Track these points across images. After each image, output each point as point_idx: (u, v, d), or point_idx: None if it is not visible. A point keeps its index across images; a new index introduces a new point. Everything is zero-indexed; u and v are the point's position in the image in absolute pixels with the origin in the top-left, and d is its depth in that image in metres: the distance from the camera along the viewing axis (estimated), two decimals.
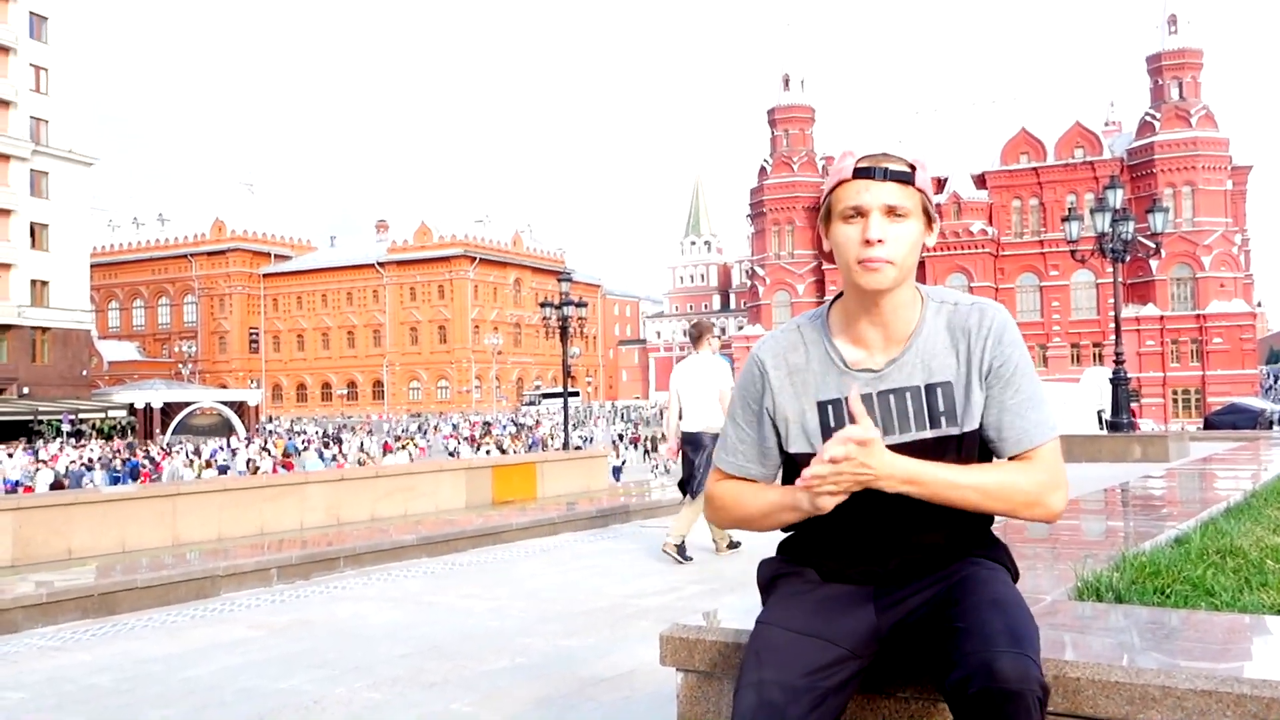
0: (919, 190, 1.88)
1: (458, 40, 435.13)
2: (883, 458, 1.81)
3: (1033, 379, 1.95)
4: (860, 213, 1.86)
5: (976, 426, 1.94)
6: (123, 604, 6.99)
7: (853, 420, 1.84)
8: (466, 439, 49.05)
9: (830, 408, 1.98)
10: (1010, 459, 1.93)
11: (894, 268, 1.86)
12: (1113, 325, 21.88)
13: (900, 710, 2.07)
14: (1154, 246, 22.98)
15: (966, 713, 1.66)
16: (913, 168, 1.87)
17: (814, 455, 1.94)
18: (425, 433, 57.97)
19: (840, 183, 1.89)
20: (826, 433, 1.96)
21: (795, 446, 2.02)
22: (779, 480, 2.11)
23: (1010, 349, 1.92)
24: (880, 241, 1.84)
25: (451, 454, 40.03)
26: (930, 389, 1.93)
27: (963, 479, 1.86)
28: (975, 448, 1.96)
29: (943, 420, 1.93)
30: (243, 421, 59.68)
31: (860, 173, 1.87)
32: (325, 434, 57.71)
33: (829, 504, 1.84)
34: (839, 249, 1.91)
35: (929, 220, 1.91)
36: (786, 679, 1.81)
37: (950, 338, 1.94)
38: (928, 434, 1.93)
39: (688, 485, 8.53)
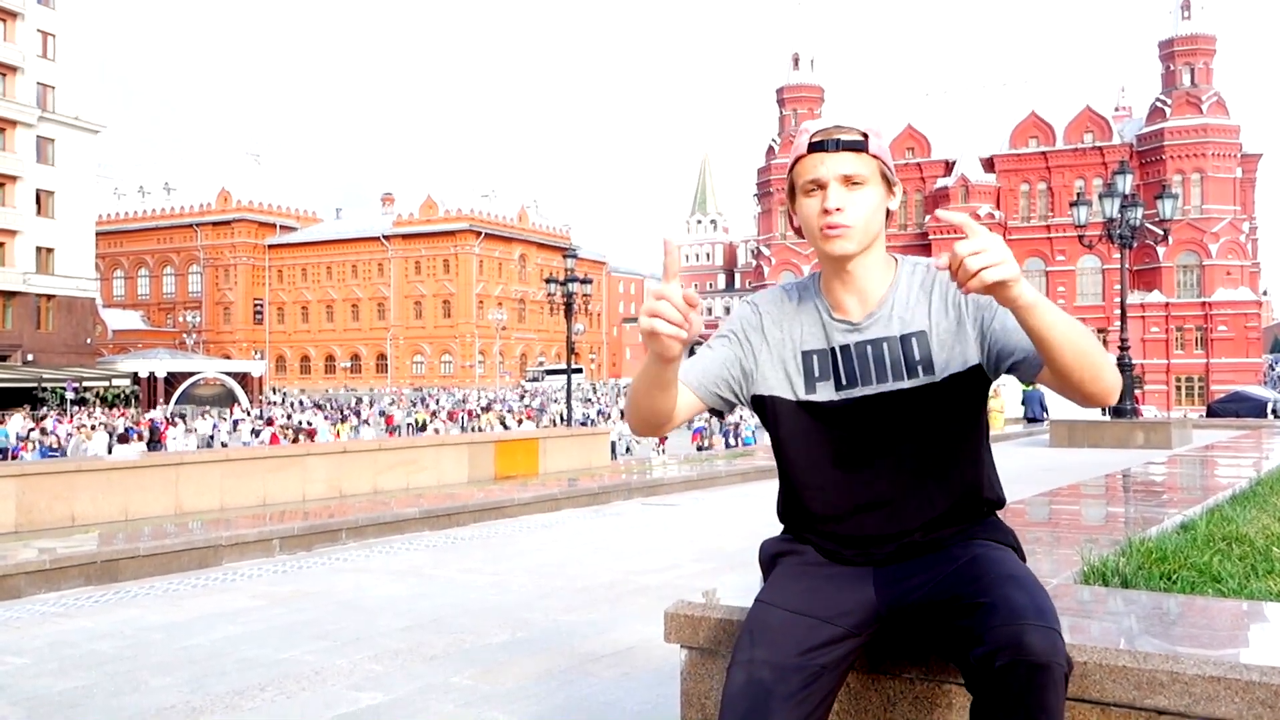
0: (875, 157, 1.92)
1: (466, 14, 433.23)
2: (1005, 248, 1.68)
3: None
4: (819, 185, 1.92)
5: (955, 371, 1.94)
6: (125, 571, 7.02)
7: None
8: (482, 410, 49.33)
9: (815, 357, 2.02)
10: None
11: (855, 231, 1.91)
12: (1118, 311, 21.84)
13: (905, 690, 2.07)
14: (1162, 233, 22.90)
15: (993, 687, 1.66)
16: (865, 136, 1.92)
17: (789, 400, 2.00)
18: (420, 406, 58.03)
19: (799, 159, 1.95)
20: (809, 382, 2.01)
21: (775, 390, 2.04)
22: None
23: None
24: (839, 209, 1.90)
25: (506, 427, 40.01)
26: (905, 339, 1.97)
27: (1076, 325, 1.77)
28: (958, 397, 1.96)
29: (919, 370, 1.95)
30: (246, 392, 59.77)
31: (815, 146, 1.92)
32: (342, 407, 57.74)
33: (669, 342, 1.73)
34: (804, 222, 1.97)
35: (889, 186, 1.96)
36: (778, 658, 1.82)
37: (923, 291, 1.99)
38: (905, 384, 1.96)
39: None
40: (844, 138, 1.90)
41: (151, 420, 40.83)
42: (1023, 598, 1.71)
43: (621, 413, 46.53)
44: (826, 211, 1.91)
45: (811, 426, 2.01)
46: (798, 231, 2.04)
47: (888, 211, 1.97)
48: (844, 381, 1.98)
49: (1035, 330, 1.73)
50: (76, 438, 32.75)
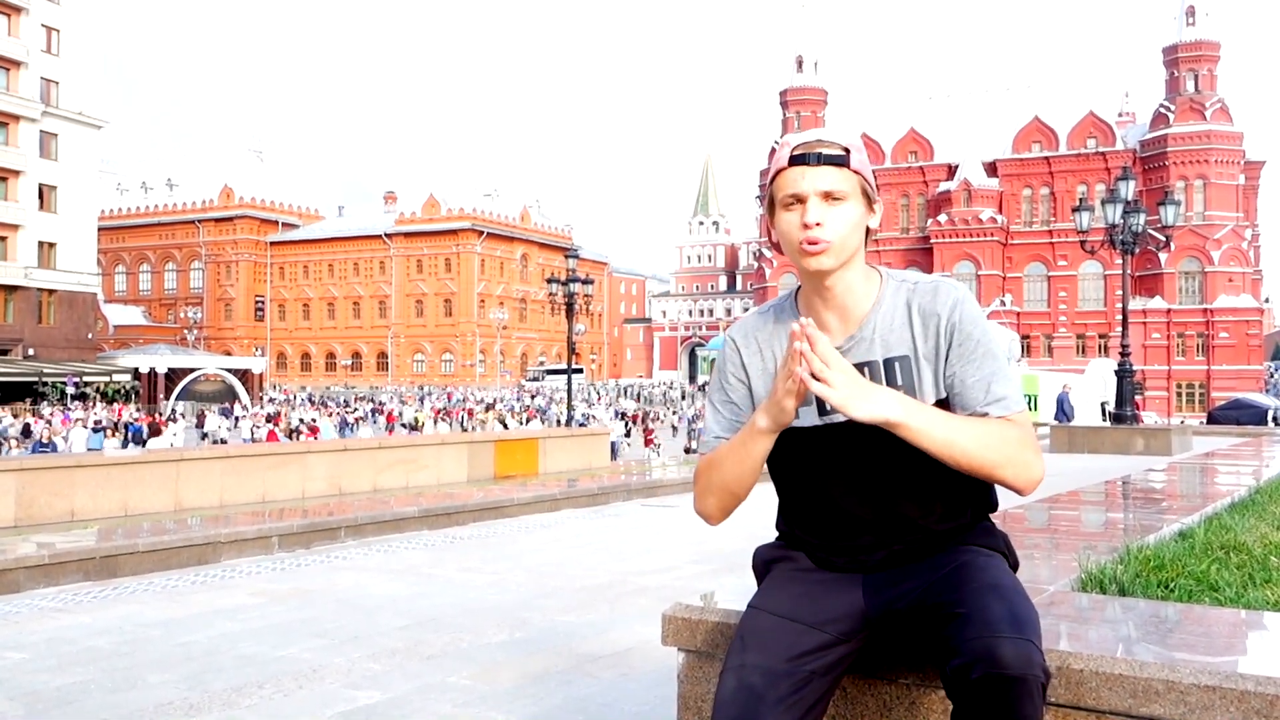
0: (856, 173, 1.91)
1: (470, 13, 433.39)
2: (856, 378, 1.79)
3: (997, 353, 1.94)
4: (799, 199, 1.90)
5: (939, 399, 1.93)
6: (124, 567, 7.03)
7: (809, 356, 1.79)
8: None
9: None
10: None
11: (834, 247, 1.89)
12: (1120, 317, 21.85)
13: (900, 695, 2.07)
14: (1164, 239, 22.90)
15: (968, 699, 1.66)
16: (847, 151, 1.91)
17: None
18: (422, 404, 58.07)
19: (779, 172, 1.93)
20: None
21: None
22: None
23: (971, 325, 1.93)
24: (819, 224, 1.88)
25: (505, 426, 39.89)
26: (889, 364, 1.95)
27: (954, 419, 1.83)
28: None
29: None
30: (247, 389, 59.77)
31: (796, 160, 1.90)
32: (337, 404, 57.77)
33: (789, 406, 1.84)
34: (783, 236, 1.94)
35: (870, 202, 1.94)
36: (769, 663, 1.83)
37: (908, 314, 1.96)
38: None
39: None
40: (826, 152, 1.89)
41: (153, 415, 40.81)
42: (1000, 608, 1.70)
43: (645, 415, 46.19)
44: (806, 226, 1.88)
45: (796, 451, 2.00)
46: (775, 246, 2.02)
47: (867, 229, 1.95)
48: (827, 407, 1.95)
49: (910, 442, 1.81)
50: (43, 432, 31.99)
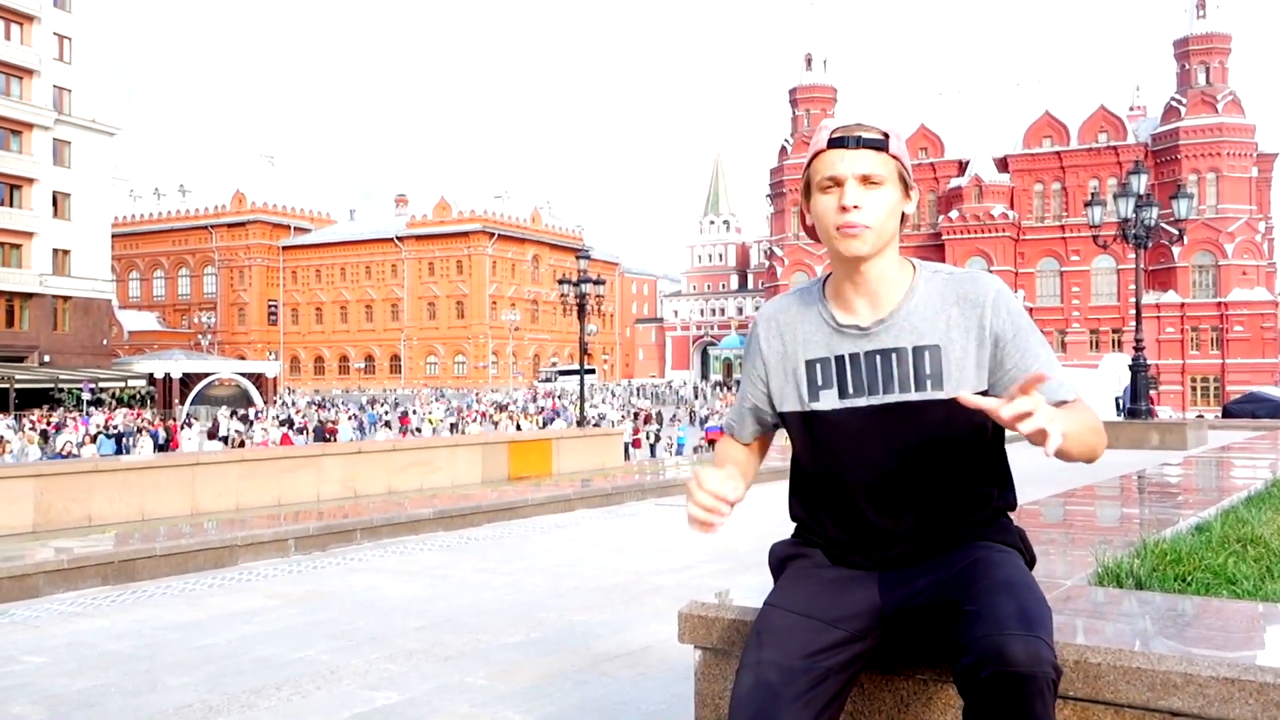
0: (894, 157, 1.91)
1: (479, 15, 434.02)
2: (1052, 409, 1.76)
3: (1043, 341, 1.96)
4: (837, 182, 1.90)
5: (973, 393, 1.90)
6: (142, 571, 7.07)
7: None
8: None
9: (819, 365, 2.00)
10: None
11: (871, 232, 1.89)
12: (1133, 312, 21.76)
13: (917, 691, 2.07)
14: (1177, 233, 22.77)
15: (979, 696, 1.66)
16: (886, 135, 1.91)
17: (802, 413, 2.00)
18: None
19: (817, 154, 1.93)
20: (813, 390, 1.99)
21: (786, 405, 2.05)
22: (756, 448, 2.24)
23: (1019, 315, 1.94)
24: (856, 207, 1.87)
25: (519, 428, 39.79)
26: (918, 351, 1.94)
27: (1071, 418, 1.81)
28: (967, 411, 1.89)
29: (928, 384, 1.93)
30: (261, 393, 59.98)
31: (835, 143, 1.90)
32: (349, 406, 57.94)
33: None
34: (819, 219, 1.94)
35: (906, 188, 1.94)
36: (785, 660, 1.83)
37: (943, 303, 1.95)
38: (912, 396, 1.93)
39: None
40: (865, 135, 1.89)
41: (161, 421, 40.92)
42: (1009, 605, 1.70)
43: (639, 414, 46.35)
44: (844, 209, 1.88)
45: (815, 434, 2.00)
46: (810, 231, 2.01)
47: (903, 215, 1.95)
48: (849, 390, 1.96)
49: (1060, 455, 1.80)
50: (19, 441, 31.24)
